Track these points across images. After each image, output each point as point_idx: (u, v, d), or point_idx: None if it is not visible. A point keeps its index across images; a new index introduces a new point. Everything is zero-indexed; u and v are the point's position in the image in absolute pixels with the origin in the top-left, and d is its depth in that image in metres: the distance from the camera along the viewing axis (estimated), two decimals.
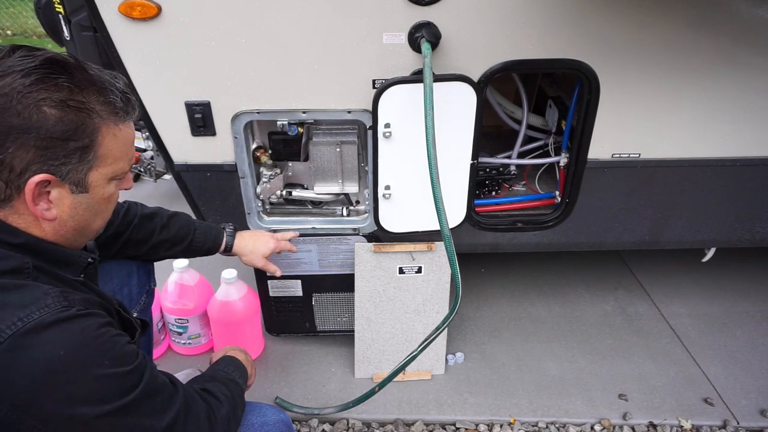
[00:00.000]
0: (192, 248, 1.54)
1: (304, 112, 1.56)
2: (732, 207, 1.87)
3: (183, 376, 1.55)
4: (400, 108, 1.48)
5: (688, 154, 1.73)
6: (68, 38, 2.00)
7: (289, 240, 1.72)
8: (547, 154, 1.98)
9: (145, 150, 2.36)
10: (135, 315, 1.24)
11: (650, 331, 2.17)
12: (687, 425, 1.79)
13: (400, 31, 1.43)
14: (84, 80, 0.88)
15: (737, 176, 1.79)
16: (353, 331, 1.90)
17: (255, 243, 1.62)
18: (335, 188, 1.71)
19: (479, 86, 1.51)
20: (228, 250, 1.59)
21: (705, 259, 2.12)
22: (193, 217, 1.61)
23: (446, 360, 1.98)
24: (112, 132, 0.92)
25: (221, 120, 1.55)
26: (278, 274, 1.70)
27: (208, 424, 1.01)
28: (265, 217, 1.77)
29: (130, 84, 1.15)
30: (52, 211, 0.91)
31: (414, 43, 1.43)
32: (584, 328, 2.19)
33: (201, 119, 1.54)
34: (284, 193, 1.74)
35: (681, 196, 1.83)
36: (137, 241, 1.44)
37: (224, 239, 1.58)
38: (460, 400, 1.87)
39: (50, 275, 0.92)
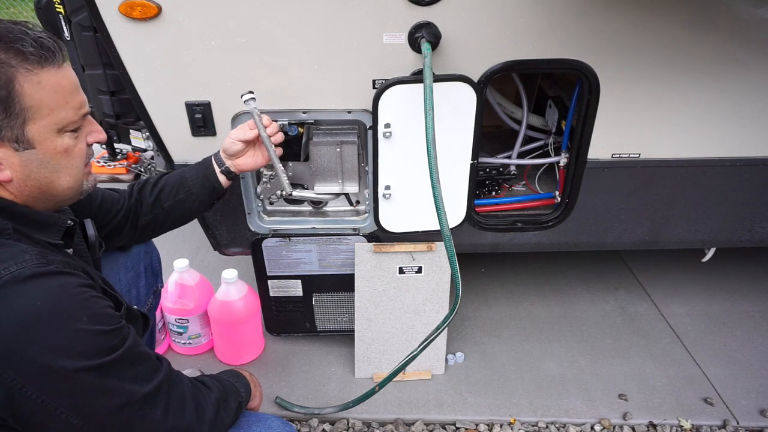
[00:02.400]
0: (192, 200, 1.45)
1: (304, 112, 1.56)
2: (732, 207, 1.87)
3: None
4: (400, 108, 1.48)
5: (688, 154, 1.73)
6: (68, 38, 1.99)
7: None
8: (547, 154, 1.98)
9: (145, 150, 2.35)
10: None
11: (650, 331, 2.17)
12: (687, 425, 1.79)
13: (400, 32, 1.43)
14: None
15: (737, 176, 1.79)
16: (353, 331, 1.90)
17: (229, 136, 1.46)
18: (335, 188, 1.71)
19: (479, 86, 1.51)
20: (229, 172, 1.46)
21: (705, 259, 2.12)
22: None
23: (446, 360, 1.98)
24: (31, 80, 0.87)
25: (221, 120, 1.55)
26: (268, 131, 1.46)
27: (193, 403, 1.01)
28: (266, 217, 1.77)
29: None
30: (5, 172, 0.90)
31: (414, 43, 1.43)
32: (584, 328, 2.19)
33: (201, 119, 1.54)
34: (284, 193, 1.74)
35: (681, 196, 1.83)
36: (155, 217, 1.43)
37: (215, 165, 1.46)
38: (460, 399, 1.87)
39: (31, 239, 0.92)
